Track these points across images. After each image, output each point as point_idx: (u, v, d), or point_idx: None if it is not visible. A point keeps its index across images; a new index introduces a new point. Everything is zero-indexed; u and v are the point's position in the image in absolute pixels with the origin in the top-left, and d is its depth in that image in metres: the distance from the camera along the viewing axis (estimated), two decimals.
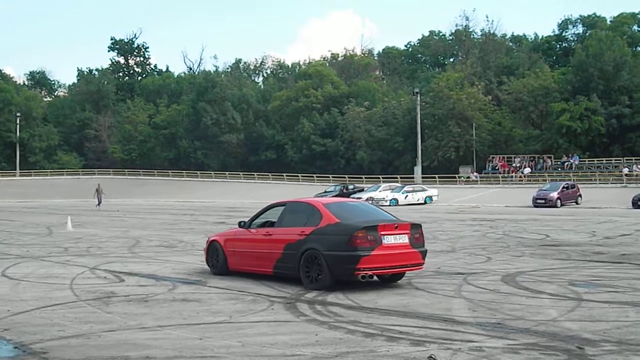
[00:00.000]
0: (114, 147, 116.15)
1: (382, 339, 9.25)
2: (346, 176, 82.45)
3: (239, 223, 16.43)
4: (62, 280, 15.47)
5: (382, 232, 13.67)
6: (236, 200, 74.10)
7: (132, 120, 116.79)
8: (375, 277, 14.10)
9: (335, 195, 64.38)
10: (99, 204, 60.65)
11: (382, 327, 9.95)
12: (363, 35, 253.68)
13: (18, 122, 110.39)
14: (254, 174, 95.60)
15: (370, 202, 58.19)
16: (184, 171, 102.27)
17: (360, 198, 60.10)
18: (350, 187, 68.88)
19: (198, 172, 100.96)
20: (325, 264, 13.60)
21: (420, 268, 14.68)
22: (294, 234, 14.43)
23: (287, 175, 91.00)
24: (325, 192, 67.99)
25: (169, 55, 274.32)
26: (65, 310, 11.86)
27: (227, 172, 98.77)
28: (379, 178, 76.02)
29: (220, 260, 16.40)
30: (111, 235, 28.98)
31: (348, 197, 62.52)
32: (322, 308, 11.67)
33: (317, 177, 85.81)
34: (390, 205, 56.46)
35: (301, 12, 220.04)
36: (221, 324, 10.56)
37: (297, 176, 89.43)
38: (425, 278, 15.14)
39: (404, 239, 13.94)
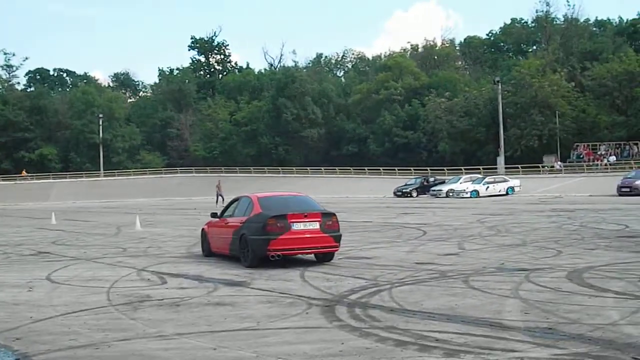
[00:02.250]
0: (196, 145, 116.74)
1: (414, 349, 8.23)
2: (428, 168, 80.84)
3: (211, 214, 20.18)
4: (103, 283, 14.87)
5: (292, 220, 16.37)
6: (317, 195, 72.42)
7: (213, 118, 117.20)
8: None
9: (416, 188, 63.51)
10: (222, 200, 57.99)
11: (419, 334, 8.92)
12: (445, 26, 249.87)
13: (101, 123, 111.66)
14: (335, 169, 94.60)
15: (451, 194, 57.28)
16: (265, 167, 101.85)
17: (440, 190, 59.05)
18: (431, 179, 67.50)
19: (280, 168, 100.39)
20: (250, 246, 16.61)
21: (334, 250, 17.16)
22: (238, 222, 17.67)
23: (368, 169, 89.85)
24: (406, 184, 66.81)
25: (250, 52, 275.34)
26: (90, 316, 11.20)
27: (308, 168, 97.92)
28: (461, 170, 74.23)
29: (205, 244, 19.86)
30: (176, 235, 28.46)
31: (428, 189, 61.67)
32: (361, 312, 10.68)
33: (398, 170, 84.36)
34: (471, 197, 55.08)
35: (385, 5, 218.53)
36: (245, 331, 9.68)
37: (379, 169, 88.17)
38: (485, 275, 14.05)
39: (314, 226, 16.60)
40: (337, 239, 17.00)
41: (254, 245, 16.44)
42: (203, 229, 20.24)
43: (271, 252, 16.19)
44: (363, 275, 14.52)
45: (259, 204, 17.35)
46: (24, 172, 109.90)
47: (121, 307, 11.95)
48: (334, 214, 17.25)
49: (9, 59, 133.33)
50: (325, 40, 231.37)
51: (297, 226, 16.37)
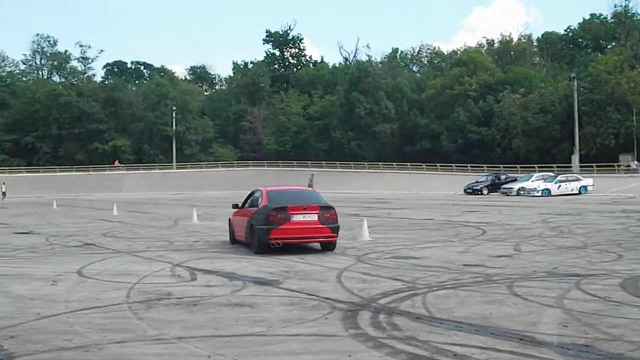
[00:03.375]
0: (268, 139, 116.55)
1: None
2: (501, 166, 79.03)
3: (232, 205, 22.06)
4: (131, 278, 14.28)
5: (292, 212, 18.10)
6: (387, 191, 72.47)
7: (286, 111, 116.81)
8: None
9: (487, 186, 62.17)
10: None
11: (437, 348, 7.97)
12: (525, 22, 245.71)
13: (174, 115, 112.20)
14: (407, 165, 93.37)
15: (522, 192, 55.76)
16: (337, 162, 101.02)
17: (511, 188, 57.65)
18: (503, 177, 66.03)
19: (352, 162, 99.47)
20: (256, 235, 18.42)
21: (332, 240, 18.72)
22: (250, 213, 19.39)
23: (440, 166, 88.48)
24: (477, 182, 65.50)
25: (325, 47, 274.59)
26: (98, 314, 10.54)
27: (380, 163, 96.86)
28: (534, 167, 72.36)
29: (231, 233, 21.79)
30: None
31: (499, 187, 60.25)
32: (385, 318, 9.75)
33: (471, 167, 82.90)
34: (542, 196, 53.47)
35: (466, 1, 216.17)
36: (251, 337, 8.85)
37: (451, 166, 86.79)
38: (533, 281, 12.98)
39: (312, 217, 18.27)
40: (335, 229, 18.55)
41: (259, 233, 18.27)
42: (229, 219, 22.21)
43: (272, 240, 18.02)
44: (403, 277, 13.62)
45: (266, 197, 19.12)
46: (116, 162, 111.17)
47: (136, 305, 11.27)
48: (332, 207, 18.73)
49: (84, 52, 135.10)
50: (402, 36, 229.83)
51: (297, 217, 18.15)
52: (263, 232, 18.12)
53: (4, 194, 74.28)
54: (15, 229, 30.48)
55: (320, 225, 18.26)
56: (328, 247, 18.83)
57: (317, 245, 19.31)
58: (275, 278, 13.99)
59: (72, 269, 15.85)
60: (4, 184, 76.86)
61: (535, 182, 57.55)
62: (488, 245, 19.67)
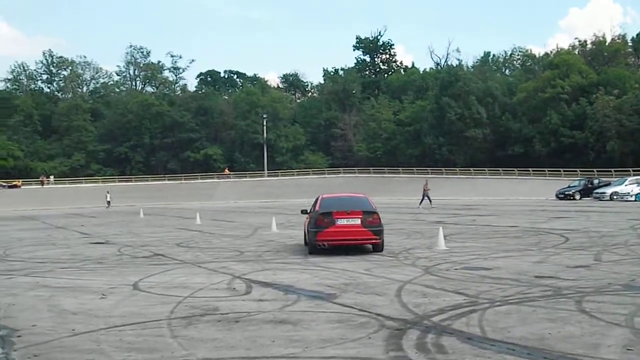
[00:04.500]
0: (359, 146, 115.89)
1: None
2: (594, 170, 76.60)
3: (301, 211, 23.75)
4: (185, 291, 13.86)
5: (336, 217, 19.79)
6: (478, 197, 71.07)
7: (376, 117, 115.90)
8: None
9: (579, 190, 60.41)
10: (429, 201, 52.95)
11: None
12: (622, 22, 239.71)
13: (265, 123, 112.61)
14: (499, 170, 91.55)
15: (615, 196, 53.85)
16: (428, 168, 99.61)
17: (604, 193, 55.85)
18: (596, 181, 63.91)
19: (443, 168, 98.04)
20: (308, 237, 20.91)
21: (375, 242, 20.21)
22: (309, 217, 21.43)
23: (533, 170, 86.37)
24: (569, 186, 63.68)
25: (416, 52, 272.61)
26: (134, 331, 10.09)
27: (472, 168, 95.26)
28: (629, 171, 69.88)
29: (304, 237, 22.97)
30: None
31: (592, 192, 58.34)
32: (433, 339, 8.97)
33: (564, 171, 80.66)
34: (636, 201, 51.51)
35: (561, 2, 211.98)
36: (281, 359, 8.17)
37: (544, 171, 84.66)
38: (606, 295, 11.99)
39: (355, 221, 19.75)
40: (377, 232, 19.97)
41: (310, 236, 20.57)
42: (304, 223, 23.26)
43: (319, 241, 20.01)
44: (467, 291, 12.78)
45: (320, 203, 21.00)
46: (226, 170, 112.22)
47: (177, 321, 10.76)
48: (375, 212, 20.16)
49: (175, 62, 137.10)
50: (495, 39, 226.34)
51: (341, 221, 19.78)
52: (312, 234, 20.22)
53: (108, 202, 75.82)
54: (94, 238, 30.54)
55: (362, 229, 19.72)
56: (377, 248, 20.37)
57: (386, 254, 19.77)
58: (333, 292, 13.30)
59: (130, 281, 15.57)
60: (108, 192, 78.43)
61: (628, 186, 55.48)
62: (567, 254, 18.61)
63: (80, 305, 12.50)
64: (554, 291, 12.50)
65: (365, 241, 20.20)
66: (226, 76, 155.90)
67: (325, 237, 19.87)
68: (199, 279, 15.63)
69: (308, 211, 22.30)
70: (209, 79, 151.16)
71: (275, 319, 10.74)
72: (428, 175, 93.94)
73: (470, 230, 28.89)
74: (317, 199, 21.82)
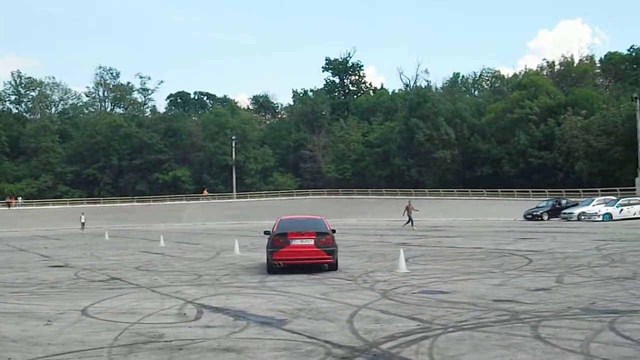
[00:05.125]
0: (328, 167, 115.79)
1: None
2: (563, 190, 76.67)
3: (264, 232, 23.11)
4: (133, 317, 13.50)
5: (291, 237, 20.78)
6: (447, 218, 70.75)
7: (345, 139, 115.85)
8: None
9: (547, 211, 60.39)
10: (409, 223, 51.38)
11: None
12: (590, 43, 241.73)
13: (234, 145, 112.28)
14: (468, 191, 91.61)
15: (583, 217, 53.82)
16: (397, 189, 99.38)
17: (572, 213, 55.82)
18: (564, 201, 63.92)
19: (412, 189, 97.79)
20: (267, 256, 21.58)
21: (328, 262, 21.14)
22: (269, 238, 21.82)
23: (501, 191, 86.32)
24: (537, 207, 63.58)
25: (387, 73, 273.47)
26: None
27: (441, 190, 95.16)
28: (597, 191, 69.93)
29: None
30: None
31: (559, 212, 58.30)
32: None
33: (532, 192, 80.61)
34: (603, 221, 51.45)
35: (530, 24, 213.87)
36: None
37: (512, 192, 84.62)
38: (563, 319, 11.66)
39: (309, 242, 20.74)
40: (330, 252, 20.96)
41: (268, 255, 21.42)
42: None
43: (275, 261, 20.95)
44: (422, 316, 12.44)
45: (278, 224, 22.00)
46: (205, 191, 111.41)
47: (118, 349, 10.38)
48: (328, 233, 21.12)
49: (144, 83, 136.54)
50: (464, 60, 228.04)
51: (295, 242, 20.76)
52: (269, 254, 21.23)
53: (82, 224, 74.53)
54: (54, 261, 30.06)
55: (315, 249, 20.71)
56: (331, 267, 21.33)
57: (345, 277, 19.65)
58: (284, 317, 12.92)
59: (80, 306, 15.10)
60: (83, 214, 77.19)
61: (596, 206, 55.48)
62: (530, 276, 18.34)
63: (21, 332, 12.07)
64: (510, 316, 12.19)
65: (319, 260, 21.01)
66: (196, 97, 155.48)
67: (280, 257, 20.81)
68: (151, 304, 15.21)
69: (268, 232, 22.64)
70: (179, 100, 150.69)
71: (220, 346, 10.36)
72: (398, 197, 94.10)
73: (434, 252, 28.58)
74: (276, 221, 22.59)
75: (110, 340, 11.03)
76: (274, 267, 21.01)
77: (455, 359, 8.97)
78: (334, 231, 21.87)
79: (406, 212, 52.15)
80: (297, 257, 20.78)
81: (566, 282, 17.00)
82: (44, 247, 42.60)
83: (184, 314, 13.81)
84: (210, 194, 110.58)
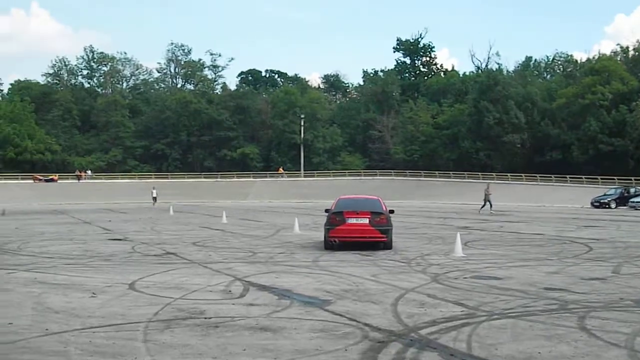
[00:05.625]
0: (396, 148, 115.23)
1: None
2: (633, 178, 75.12)
3: (325, 210, 24.10)
4: (179, 292, 13.48)
5: (347, 216, 21.70)
6: (513, 202, 69.88)
7: (414, 120, 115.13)
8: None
9: (615, 199, 59.34)
10: (485, 206, 51.11)
11: None
12: None
13: (302, 123, 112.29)
14: (536, 176, 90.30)
15: None
16: (465, 172, 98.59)
17: (639, 202, 54.80)
18: (632, 190, 62.67)
19: (480, 173, 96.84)
20: (324, 233, 22.57)
21: (381, 240, 21.88)
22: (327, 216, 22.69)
23: (570, 177, 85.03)
24: (605, 195, 62.52)
25: (460, 55, 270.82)
26: (107, 333, 9.66)
27: (509, 174, 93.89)
28: None
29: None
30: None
31: (628, 200, 57.18)
32: (414, 353, 8.42)
33: (601, 179, 79.21)
34: None
35: (607, 8, 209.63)
36: None
37: (581, 178, 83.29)
38: (613, 311, 11.25)
39: (364, 221, 21.60)
40: (384, 231, 21.75)
41: (325, 232, 22.49)
42: None
43: (331, 238, 22.06)
44: (468, 302, 12.17)
45: (336, 203, 23.06)
46: (280, 169, 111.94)
47: (155, 324, 10.32)
48: (382, 213, 21.99)
49: (214, 60, 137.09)
50: (538, 44, 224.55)
51: (351, 220, 21.67)
52: (326, 231, 22.38)
53: (154, 199, 75.05)
54: (114, 234, 30.33)
55: (370, 227, 21.55)
56: (385, 245, 21.99)
57: (400, 259, 19.40)
58: (329, 298, 12.76)
59: (129, 280, 15.18)
60: (154, 188, 77.78)
61: None
62: (587, 265, 17.91)
63: (65, 304, 12.13)
64: (559, 305, 11.84)
65: (372, 239, 21.78)
66: (267, 75, 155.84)
67: (336, 234, 21.83)
68: (199, 280, 15.17)
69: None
70: (250, 78, 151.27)
71: (257, 325, 10.23)
72: (464, 180, 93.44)
73: (494, 237, 28.15)
74: (335, 200, 23.66)
75: (150, 315, 11.00)
76: (330, 244, 22.00)
77: (493, 347, 8.70)
78: (392, 212, 22.90)
79: (486, 196, 51.39)
80: (352, 234, 21.58)
81: (623, 272, 16.55)
82: (108, 220, 43.02)
83: (230, 291, 13.73)
84: (286, 172, 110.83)
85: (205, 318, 10.77)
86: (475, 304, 11.97)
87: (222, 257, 20.36)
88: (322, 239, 23.18)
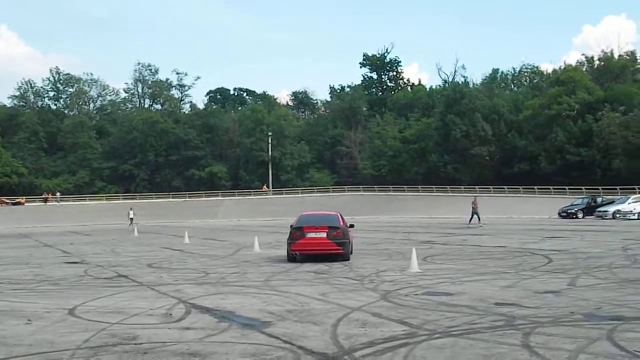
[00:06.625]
0: (364, 163, 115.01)
1: None
2: (600, 188, 75.19)
3: (290, 226, 25.08)
4: (117, 317, 13.01)
5: (306, 230, 23.61)
6: (482, 215, 69.30)
7: (382, 135, 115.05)
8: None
9: (582, 209, 59.32)
10: (478, 219, 51.80)
11: None
12: (634, 39, 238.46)
13: (270, 141, 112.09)
14: (504, 188, 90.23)
15: (618, 215, 52.69)
16: (433, 186, 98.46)
17: (607, 211, 54.80)
18: (599, 199, 62.65)
19: (448, 186, 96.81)
20: (286, 247, 24.54)
21: (338, 253, 23.55)
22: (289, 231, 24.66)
23: (538, 188, 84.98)
24: (572, 205, 62.47)
25: (427, 69, 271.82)
26: None
27: (477, 187, 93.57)
28: (635, 189, 68.38)
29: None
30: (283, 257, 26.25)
31: (594, 210, 57.16)
32: None
33: (569, 189, 79.27)
34: (638, 219, 50.35)
35: (574, 20, 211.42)
36: None
37: (549, 189, 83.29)
38: (561, 326, 10.90)
39: (322, 235, 23.41)
40: (340, 244, 23.55)
41: (287, 246, 24.45)
42: None
43: (293, 251, 24.03)
44: (412, 320, 11.79)
45: (298, 219, 25.13)
46: (264, 186, 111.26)
47: (83, 351, 9.90)
48: (339, 227, 23.87)
49: (181, 79, 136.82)
50: (505, 56, 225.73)
51: (310, 234, 23.55)
52: (288, 245, 24.38)
53: (131, 220, 74.05)
54: (72, 257, 29.80)
55: (327, 241, 23.41)
56: (343, 258, 23.69)
57: (354, 277, 19.13)
58: (270, 319, 12.34)
59: (70, 304, 14.70)
60: (131, 209, 76.85)
61: (631, 204, 54.30)
62: (543, 278, 17.61)
63: None
64: (506, 321, 11.48)
65: (330, 251, 23.56)
66: (236, 94, 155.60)
67: (297, 248, 23.93)
68: (142, 304, 14.74)
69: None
70: (219, 96, 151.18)
71: (188, 350, 9.81)
72: (432, 194, 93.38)
73: (455, 251, 27.83)
74: (298, 217, 25.82)
75: (79, 342, 10.55)
76: (292, 257, 24.06)
77: None
78: (352, 226, 25.62)
79: (472, 210, 51.27)
80: (311, 247, 23.61)
81: (579, 284, 16.25)
82: (70, 243, 42.41)
83: (170, 314, 13.29)
84: (270, 189, 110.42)
85: (136, 344, 10.33)
86: (420, 322, 11.60)
87: (173, 278, 19.97)
88: (281, 256, 24.48)
